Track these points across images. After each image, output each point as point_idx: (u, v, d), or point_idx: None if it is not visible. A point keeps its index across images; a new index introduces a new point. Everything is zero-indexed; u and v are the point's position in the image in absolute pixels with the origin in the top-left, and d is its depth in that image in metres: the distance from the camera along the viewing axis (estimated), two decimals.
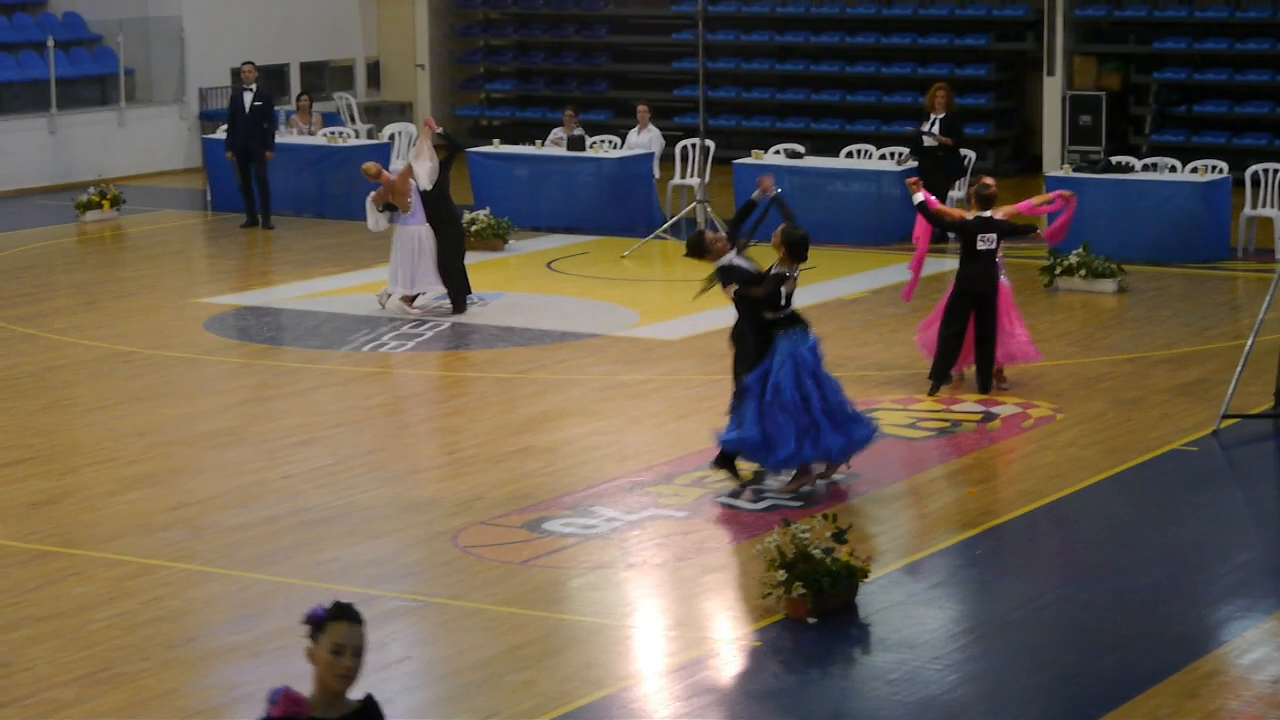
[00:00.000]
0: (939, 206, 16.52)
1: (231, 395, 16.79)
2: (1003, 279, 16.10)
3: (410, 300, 19.41)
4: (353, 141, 27.09)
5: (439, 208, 19.33)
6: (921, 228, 16.38)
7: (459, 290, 19.34)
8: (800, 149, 25.02)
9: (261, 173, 25.30)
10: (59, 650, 10.74)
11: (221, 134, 26.54)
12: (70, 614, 11.30)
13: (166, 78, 31.22)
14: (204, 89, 31.20)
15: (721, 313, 19.36)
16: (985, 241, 15.86)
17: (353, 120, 30.61)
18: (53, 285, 21.04)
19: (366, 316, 19.50)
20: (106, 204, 25.18)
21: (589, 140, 25.76)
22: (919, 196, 16.14)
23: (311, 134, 26.97)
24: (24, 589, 11.75)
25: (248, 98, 25.55)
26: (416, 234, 19.18)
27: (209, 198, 27.03)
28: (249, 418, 14.59)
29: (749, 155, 24.69)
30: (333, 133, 27.26)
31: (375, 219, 19.29)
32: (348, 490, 13.75)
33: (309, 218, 25.65)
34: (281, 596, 11.61)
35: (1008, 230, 15.94)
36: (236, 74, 31.12)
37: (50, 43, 29.51)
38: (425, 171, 19.10)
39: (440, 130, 20.09)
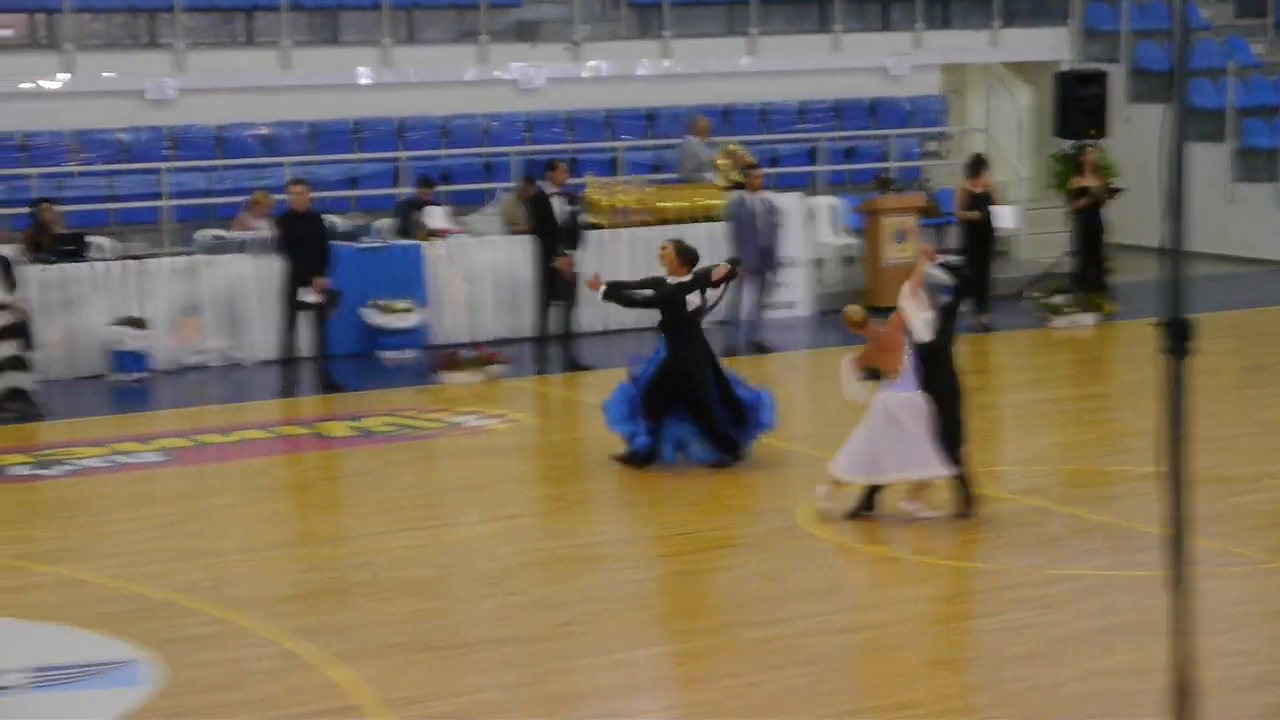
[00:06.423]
0: None
1: None
2: None
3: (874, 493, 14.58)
4: None
5: (939, 367, 14.51)
6: None
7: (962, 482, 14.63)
8: None
9: None
10: None
11: None
12: None
13: None
14: None
15: None
16: None
17: None
18: None
19: None
20: None
21: None
22: None
23: None
24: None
25: None
26: (907, 402, 14.44)
27: None
28: None
29: None
30: None
31: (854, 386, 14.68)
32: None
33: None
34: None
35: None
36: None
37: None
38: (923, 321, 14.42)
39: (940, 260, 15.50)
